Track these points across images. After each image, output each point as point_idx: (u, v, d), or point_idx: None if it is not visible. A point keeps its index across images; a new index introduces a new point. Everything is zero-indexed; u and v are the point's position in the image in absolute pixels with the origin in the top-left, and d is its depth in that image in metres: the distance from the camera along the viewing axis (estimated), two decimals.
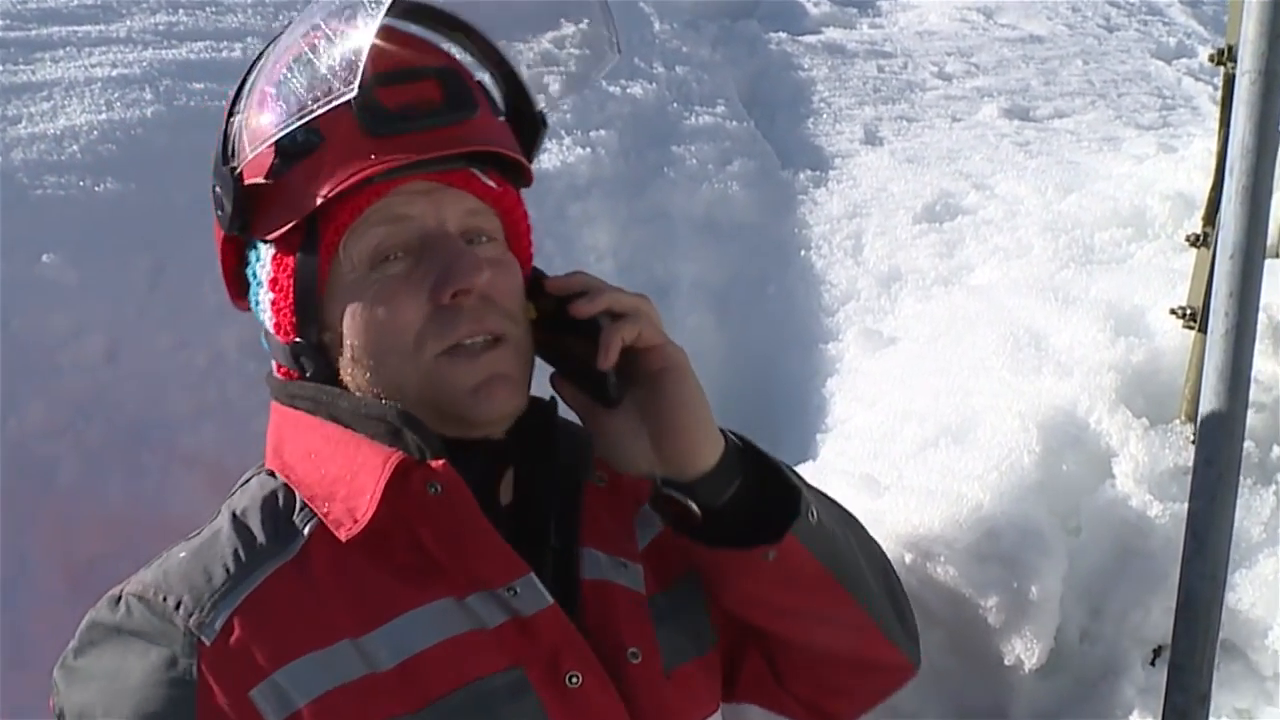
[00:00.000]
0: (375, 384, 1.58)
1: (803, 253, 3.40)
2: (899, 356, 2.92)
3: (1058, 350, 2.63)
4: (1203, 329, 2.40)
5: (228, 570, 1.50)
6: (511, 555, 1.55)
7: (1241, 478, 2.28)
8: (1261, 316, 2.34)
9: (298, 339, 1.62)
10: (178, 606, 1.47)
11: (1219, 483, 1.82)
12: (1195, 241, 2.44)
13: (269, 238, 1.60)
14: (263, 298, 1.65)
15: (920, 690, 2.27)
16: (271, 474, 1.64)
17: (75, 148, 2.67)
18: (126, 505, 2.27)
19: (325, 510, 1.54)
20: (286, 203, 1.56)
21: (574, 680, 1.55)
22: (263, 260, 1.63)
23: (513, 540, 1.56)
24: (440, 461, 1.52)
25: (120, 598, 1.52)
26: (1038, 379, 2.55)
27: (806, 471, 2.54)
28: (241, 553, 1.52)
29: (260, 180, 1.57)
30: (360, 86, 1.47)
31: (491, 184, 1.64)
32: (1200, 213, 2.51)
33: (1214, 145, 2.83)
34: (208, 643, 1.45)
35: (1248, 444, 2.36)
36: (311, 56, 1.54)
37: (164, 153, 2.75)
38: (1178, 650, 1.84)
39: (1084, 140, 4.00)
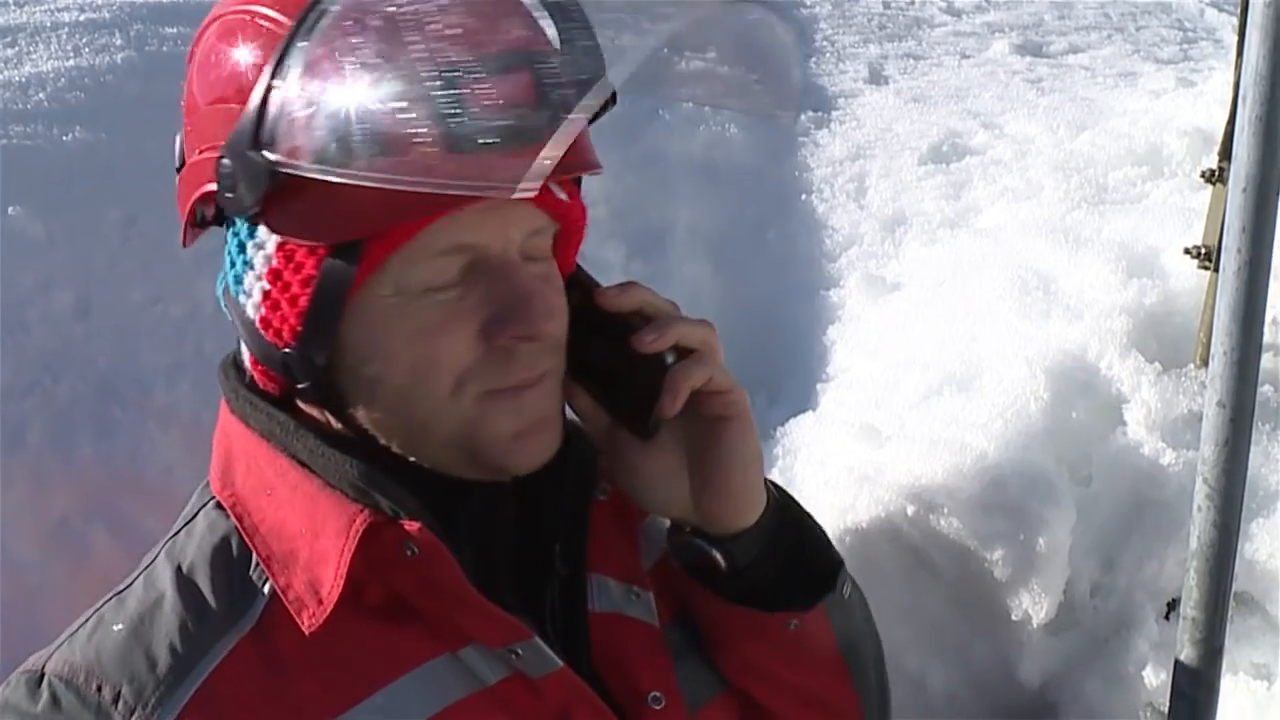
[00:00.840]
0: (391, 422, 1.33)
1: (803, 197, 3.31)
2: (903, 303, 2.83)
3: (1067, 294, 2.55)
4: (1218, 269, 2.31)
5: (174, 651, 1.26)
6: (508, 621, 1.34)
7: (1259, 423, 2.20)
8: None
9: (294, 348, 1.31)
10: (116, 700, 1.24)
11: (1232, 426, 1.72)
12: (1211, 177, 2.35)
13: (290, 238, 1.27)
14: (251, 284, 1.30)
15: (924, 647, 2.21)
16: (220, 508, 1.37)
17: (42, 96, 2.60)
18: (98, 464, 2.21)
19: (284, 583, 1.30)
20: (331, 212, 1.24)
21: None
22: (262, 244, 1.28)
23: (515, 571, 1.41)
24: (415, 525, 1.31)
25: (41, 678, 1.27)
26: (1046, 324, 2.47)
27: (807, 421, 2.47)
28: (190, 626, 1.28)
29: (300, 174, 1.21)
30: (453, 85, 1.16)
31: (564, 196, 1.40)
32: (1218, 148, 2.42)
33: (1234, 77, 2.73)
34: None
35: (1266, 388, 2.27)
36: (455, 89, 1.16)
37: (135, 100, 2.69)
38: (1190, 602, 1.75)
39: (1099, 76, 3.90)
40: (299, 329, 1.28)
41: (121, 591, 1.34)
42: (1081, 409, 2.32)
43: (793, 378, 2.81)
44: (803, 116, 3.63)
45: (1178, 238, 2.54)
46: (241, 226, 1.30)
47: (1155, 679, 2.10)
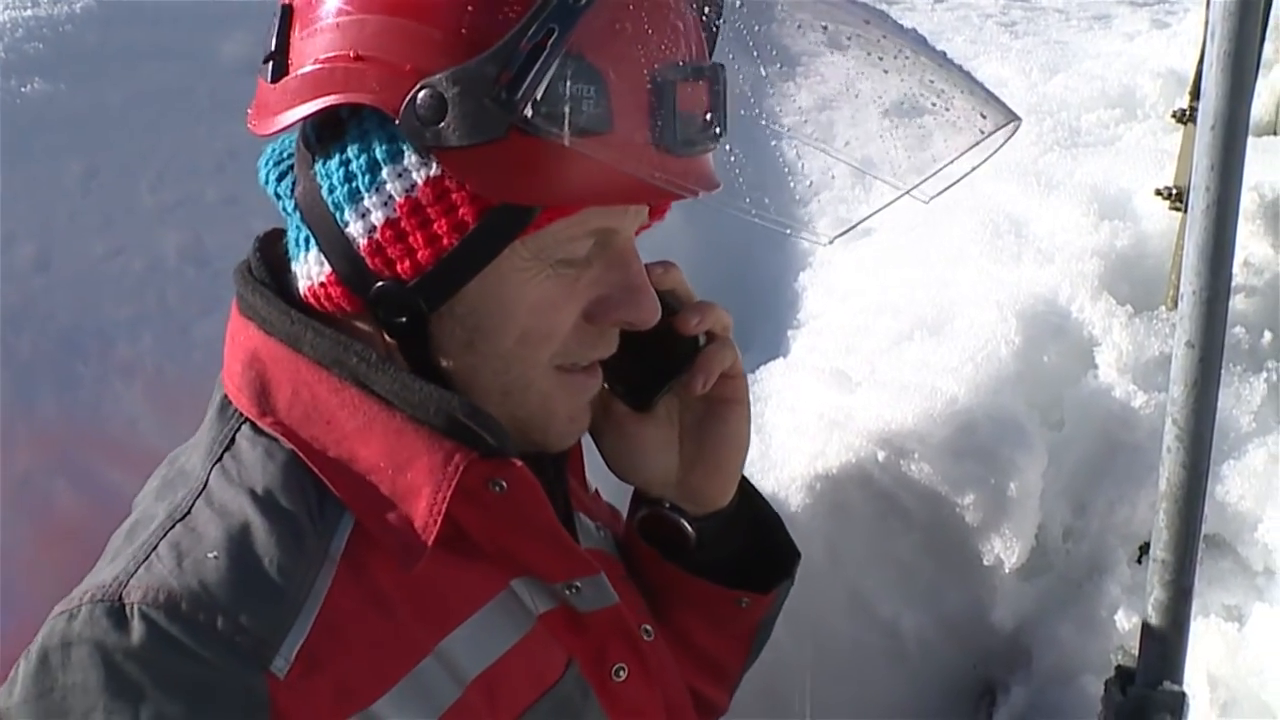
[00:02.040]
0: (479, 377, 1.30)
1: (772, 143, 3.26)
2: (874, 248, 2.81)
3: (1039, 237, 2.53)
4: (1188, 209, 2.29)
5: (289, 578, 1.19)
6: (582, 557, 1.38)
7: (1231, 365, 2.20)
8: (1254, 195, 2.25)
9: (405, 284, 1.25)
10: (236, 631, 1.15)
11: (1201, 367, 1.71)
12: (1182, 117, 2.33)
13: (471, 184, 1.21)
14: (373, 205, 1.24)
15: (895, 593, 2.21)
16: (262, 434, 1.30)
17: None
18: (60, 418, 2.16)
19: (369, 517, 1.26)
20: (533, 173, 1.19)
21: (620, 674, 1.43)
22: (406, 171, 1.23)
23: None
24: (519, 462, 1.28)
25: (125, 609, 1.15)
26: (1018, 267, 2.45)
27: (777, 368, 2.45)
28: (293, 552, 1.21)
29: (549, 139, 1.16)
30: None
31: None
32: (1189, 88, 2.40)
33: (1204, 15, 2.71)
34: (281, 676, 1.16)
35: (1238, 330, 2.27)
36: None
37: (95, 50, 2.62)
38: (1159, 544, 1.74)
39: (1073, 19, 3.87)
40: (427, 267, 1.24)
41: (180, 519, 1.24)
42: (1053, 352, 2.31)
43: (764, 324, 2.79)
44: (772, 68, 3.59)
45: (1150, 180, 2.52)
46: (379, 143, 1.24)
47: (1127, 622, 2.10)
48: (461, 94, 1.16)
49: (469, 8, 1.18)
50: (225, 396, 1.36)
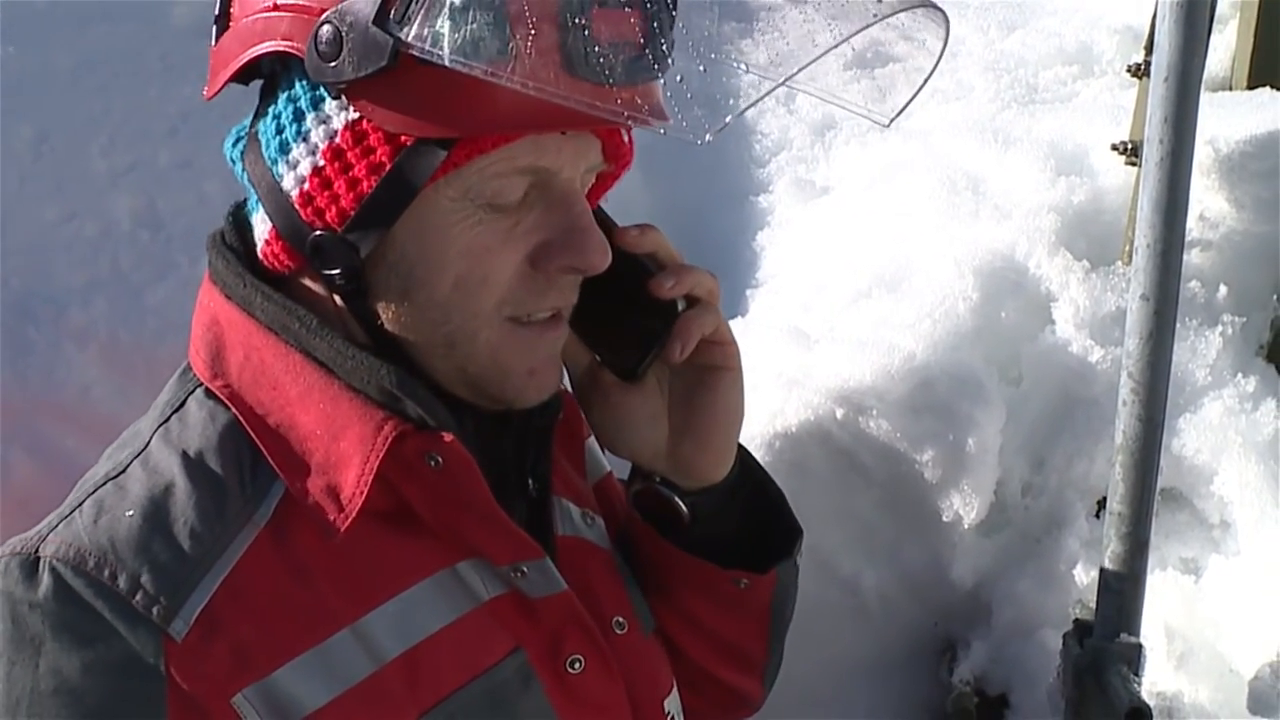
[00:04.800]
0: (418, 329, 1.28)
1: (730, 102, 3.25)
2: (832, 206, 2.80)
3: (996, 193, 2.53)
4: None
5: (198, 539, 1.19)
6: (524, 539, 1.33)
7: (1187, 319, 2.21)
8: (1209, 150, 2.25)
9: (335, 232, 1.24)
10: (134, 590, 1.15)
11: (1156, 319, 1.72)
12: (1137, 71, 2.33)
13: (378, 121, 1.19)
14: (300, 156, 1.24)
15: (855, 550, 2.21)
16: (212, 397, 1.30)
17: None
18: (14, 384, 2.16)
19: (298, 484, 1.24)
20: (438, 104, 1.16)
21: (576, 665, 1.37)
22: (327, 117, 1.22)
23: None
24: (449, 436, 1.26)
25: (38, 563, 1.17)
26: (975, 224, 2.45)
27: (736, 328, 2.44)
28: (211, 514, 1.21)
29: (431, 62, 1.13)
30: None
31: (627, 139, 1.35)
32: (1144, 42, 2.40)
33: None
34: (178, 638, 1.15)
35: (1193, 284, 2.27)
36: None
37: (43, 12, 2.60)
38: (1116, 497, 1.76)
39: None
40: (351, 213, 1.22)
41: (115, 476, 1.25)
42: (1010, 308, 2.31)
43: (722, 283, 2.75)
44: (725, 27, 3.57)
45: (1107, 135, 2.51)
46: (303, 93, 1.23)
47: (1086, 576, 2.11)
48: (352, 25, 1.15)
49: None
50: (188, 361, 1.35)
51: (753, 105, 1.32)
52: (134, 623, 1.15)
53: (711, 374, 1.48)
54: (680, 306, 1.43)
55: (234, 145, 1.34)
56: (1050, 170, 2.49)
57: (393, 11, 1.13)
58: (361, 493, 1.23)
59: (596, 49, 1.15)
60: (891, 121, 1.37)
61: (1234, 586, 2.01)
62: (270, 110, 1.26)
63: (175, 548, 1.18)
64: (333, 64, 1.17)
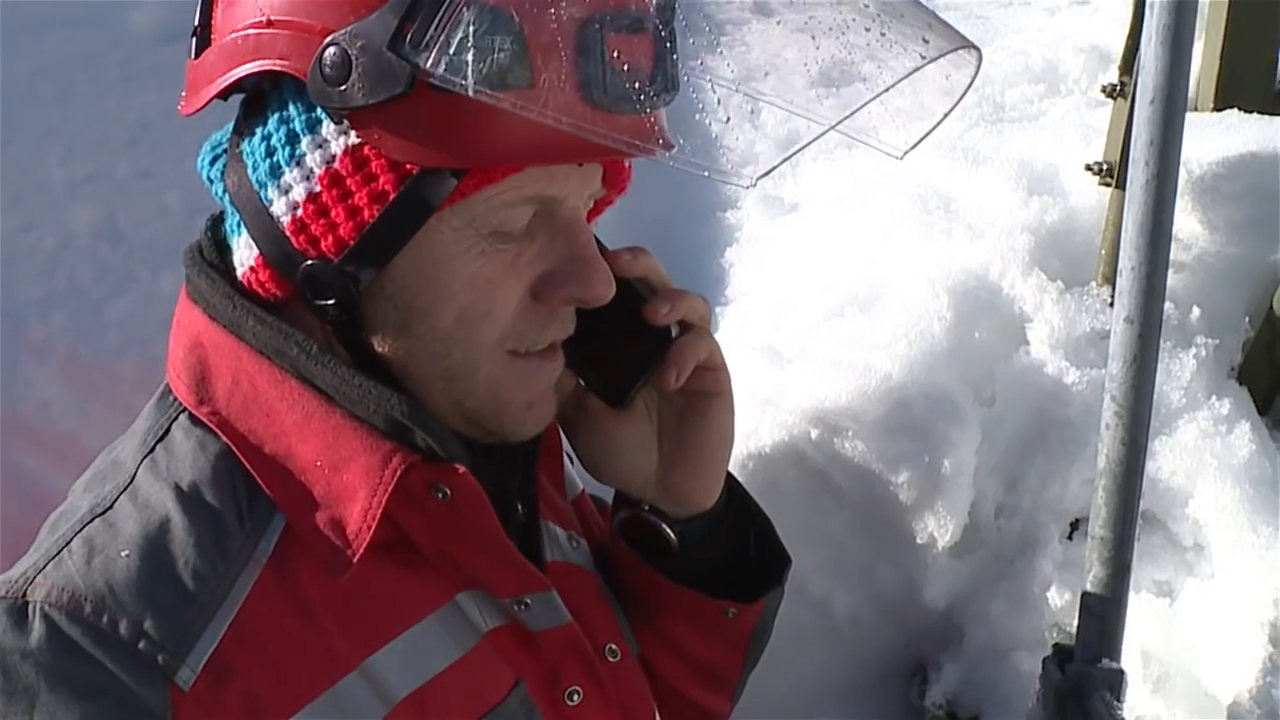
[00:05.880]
0: (417, 361, 1.22)
1: (696, 116, 3.23)
2: (801, 223, 2.79)
3: (968, 212, 2.52)
4: (1120, 185, 2.30)
5: (200, 580, 1.12)
6: (531, 571, 1.30)
7: (1161, 341, 2.19)
8: (1181, 172, 2.24)
9: (331, 262, 1.18)
10: (138, 637, 1.08)
11: (1140, 343, 1.70)
12: (1112, 92, 2.33)
13: (384, 149, 1.13)
14: (293, 181, 1.18)
15: (828, 571, 2.19)
16: (199, 424, 1.23)
17: None
18: None
19: (300, 518, 1.18)
20: (451, 133, 1.11)
21: (574, 698, 1.34)
22: (324, 142, 1.16)
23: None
24: (461, 468, 1.21)
25: (27, 608, 1.09)
26: (948, 243, 2.44)
27: None
28: (212, 553, 1.14)
29: (426, 89, 1.09)
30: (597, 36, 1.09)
31: (628, 166, 1.33)
32: (1116, 64, 2.40)
33: None
34: (185, 687, 1.09)
35: (1168, 306, 2.27)
36: None
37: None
38: (1098, 521, 1.74)
39: None
40: (350, 243, 1.16)
41: (102, 513, 1.17)
42: (984, 328, 2.30)
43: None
44: (690, 40, 3.57)
45: (1077, 155, 2.52)
46: (298, 114, 1.17)
47: (1060, 599, 2.10)
48: (364, 48, 1.09)
49: None
50: (167, 384, 1.28)
51: (801, 150, 1.28)
52: (138, 672, 1.08)
53: (703, 400, 1.44)
54: (674, 332, 1.40)
55: (211, 164, 1.27)
56: (1022, 190, 2.48)
57: (410, 37, 1.07)
58: (369, 527, 1.17)
59: (614, 77, 1.11)
60: (905, 155, 1.33)
61: (1210, 610, 2.00)
62: (258, 130, 1.20)
63: (178, 590, 1.11)
64: (340, 88, 1.11)
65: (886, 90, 1.22)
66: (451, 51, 1.06)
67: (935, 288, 2.30)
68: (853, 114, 1.23)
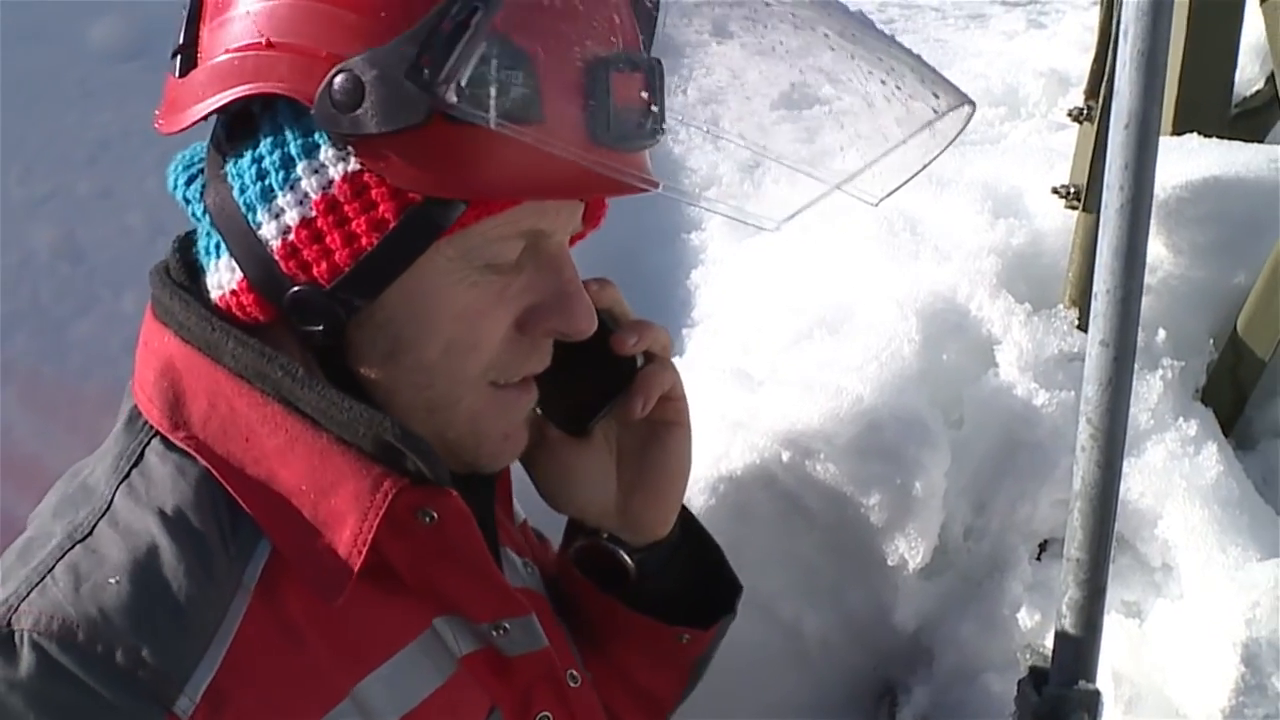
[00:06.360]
0: (401, 389, 1.23)
1: (658, 138, 3.23)
2: (766, 245, 2.78)
3: (934, 235, 2.52)
4: (1087, 208, 2.31)
5: (194, 606, 1.11)
6: (514, 596, 1.31)
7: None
8: None
9: (321, 288, 1.17)
10: (136, 665, 1.06)
11: (1115, 366, 1.71)
12: (1078, 116, 2.33)
13: (388, 176, 1.13)
14: (286, 205, 1.16)
15: (797, 594, 2.19)
16: (174, 449, 1.21)
17: None
18: None
19: (287, 544, 1.17)
20: (455, 163, 1.12)
21: None
22: (321, 166, 1.15)
23: None
24: (452, 492, 1.22)
25: (13, 636, 1.06)
26: (914, 265, 2.44)
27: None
28: (201, 580, 1.12)
29: (440, 119, 1.10)
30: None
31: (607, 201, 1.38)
32: (1079, 88, 2.41)
33: (1087, 20, 2.72)
34: (184, 717, 1.07)
35: None
36: None
37: None
38: (1073, 543, 1.74)
39: (950, 17, 3.90)
40: (345, 270, 1.16)
41: (81, 539, 1.14)
42: (953, 351, 2.30)
43: (656, 322, 2.75)
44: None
45: (1040, 178, 2.53)
46: (293, 137, 1.16)
47: (1030, 620, 2.10)
48: (380, 77, 1.09)
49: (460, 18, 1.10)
50: (135, 407, 1.26)
51: (811, 205, 1.38)
52: (136, 700, 1.06)
53: (664, 429, 1.48)
54: (639, 362, 1.44)
55: (187, 184, 1.26)
56: (988, 213, 2.49)
57: (428, 68, 1.08)
58: (360, 553, 1.16)
59: (618, 114, 1.13)
60: (879, 202, 1.36)
61: (1180, 630, 2.01)
62: (247, 152, 1.18)
63: (173, 617, 1.10)
64: (351, 114, 1.10)
65: (900, 144, 1.31)
66: (470, 84, 1.06)
67: (904, 310, 2.30)
68: (867, 168, 1.34)
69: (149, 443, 1.23)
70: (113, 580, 1.10)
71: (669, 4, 1.26)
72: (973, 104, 1.30)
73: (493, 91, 1.07)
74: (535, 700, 1.36)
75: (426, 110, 1.09)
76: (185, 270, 1.29)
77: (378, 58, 1.09)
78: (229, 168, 1.20)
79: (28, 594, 1.09)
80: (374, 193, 1.14)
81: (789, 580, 2.18)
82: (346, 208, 1.15)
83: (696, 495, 2.12)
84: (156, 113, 1.27)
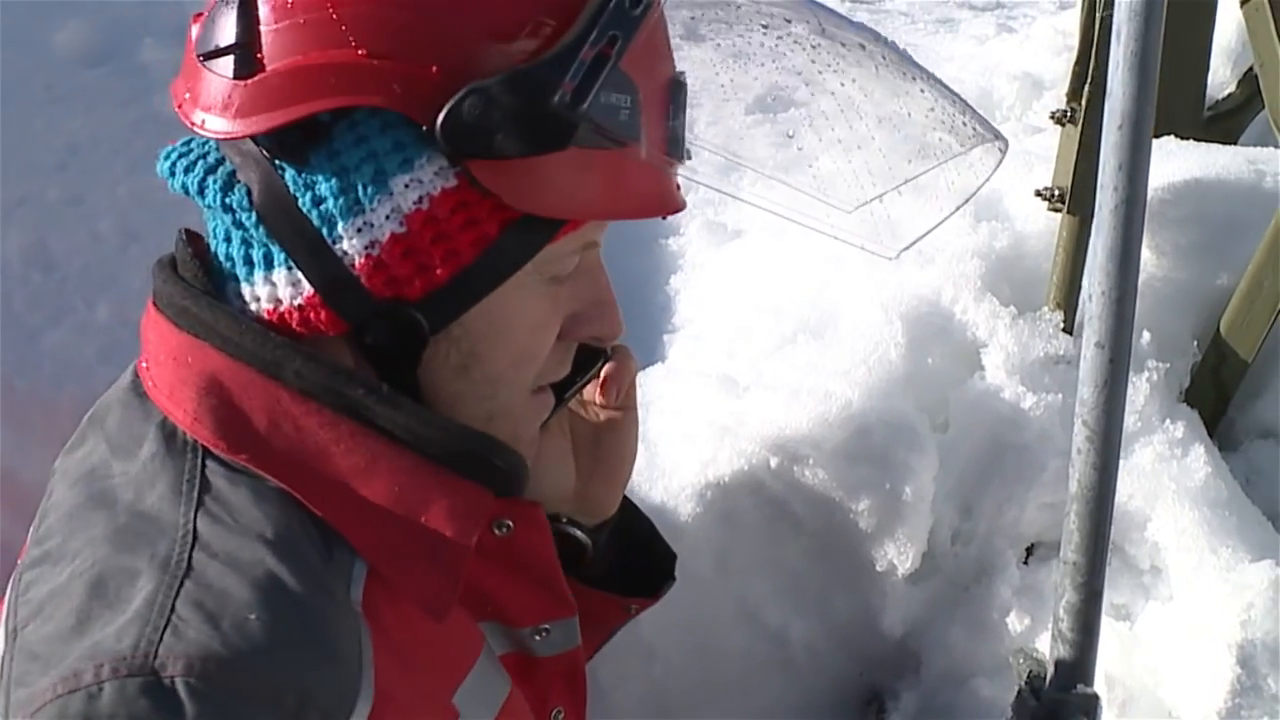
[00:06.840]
0: (463, 403, 1.22)
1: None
2: (746, 249, 2.77)
3: None
4: (1071, 210, 2.31)
5: (337, 636, 1.07)
6: (567, 599, 1.35)
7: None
8: None
9: (407, 304, 1.16)
10: (303, 705, 1.00)
11: (1111, 368, 1.70)
12: (1060, 118, 2.33)
13: (502, 195, 1.13)
14: (376, 219, 1.14)
15: (784, 600, 2.17)
16: (240, 471, 1.15)
17: None
18: None
19: (384, 564, 1.14)
20: (571, 184, 1.14)
21: (559, 718, 1.42)
22: (419, 180, 1.13)
23: None
24: (539, 506, 1.26)
25: (170, 685, 0.96)
26: (899, 268, 2.42)
27: (657, 374, 2.39)
28: (330, 609, 1.08)
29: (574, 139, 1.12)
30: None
31: None
32: (1053, 92, 2.42)
33: (1059, 24, 2.72)
34: None
35: None
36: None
37: None
38: (1070, 546, 1.74)
39: (919, 22, 3.90)
40: (441, 285, 1.15)
41: (184, 575, 1.04)
42: (938, 354, 2.29)
43: (636, 329, 2.71)
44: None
45: (1020, 181, 2.52)
46: (386, 152, 1.12)
47: (1019, 624, 2.10)
48: (521, 102, 1.10)
49: (503, 8, 1.12)
50: (172, 426, 1.18)
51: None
52: None
53: (618, 415, 1.51)
54: (609, 350, 1.48)
55: (224, 190, 1.17)
56: (969, 216, 2.48)
57: (572, 94, 1.10)
58: (462, 568, 1.16)
59: (679, 133, 1.24)
60: (899, 254, 1.46)
61: (1172, 632, 2.00)
62: (327, 162, 1.13)
63: (324, 651, 1.06)
64: (484, 137, 1.10)
65: (916, 177, 1.44)
66: (606, 111, 1.12)
67: (889, 314, 2.29)
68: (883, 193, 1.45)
69: (205, 464, 1.16)
70: (251, 616, 1.02)
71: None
72: (1004, 140, 1.42)
73: (623, 116, 1.13)
74: (551, 696, 1.39)
75: (569, 136, 1.11)
76: (206, 275, 1.24)
77: (518, 82, 1.10)
78: (291, 175, 1.15)
79: (160, 637, 0.99)
80: (476, 209, 1.14)
81: (776, 586, 2.17)
82: (444, 224, 1.14)
83: (684, 502, 2.10)
84: (191, 110, 1.17)
